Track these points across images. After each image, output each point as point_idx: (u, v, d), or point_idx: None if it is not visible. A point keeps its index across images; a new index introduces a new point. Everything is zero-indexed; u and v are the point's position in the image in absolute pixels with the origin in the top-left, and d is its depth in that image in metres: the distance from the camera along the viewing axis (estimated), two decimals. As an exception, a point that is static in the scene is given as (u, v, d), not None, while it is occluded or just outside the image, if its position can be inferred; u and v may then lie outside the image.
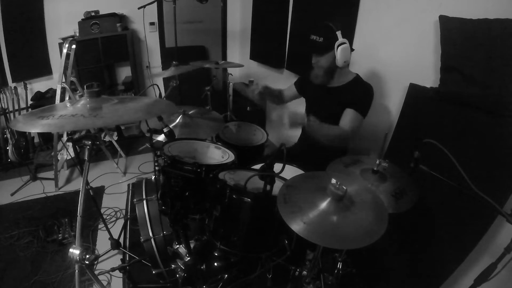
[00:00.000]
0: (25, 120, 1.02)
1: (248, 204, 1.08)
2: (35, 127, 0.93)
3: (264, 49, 3.40)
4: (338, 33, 1.45)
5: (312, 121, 1.40)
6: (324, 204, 0.89)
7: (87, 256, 1.05)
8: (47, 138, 3.11)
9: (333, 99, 1.64)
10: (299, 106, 1.83)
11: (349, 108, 1.53)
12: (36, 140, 3.18)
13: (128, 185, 2.74)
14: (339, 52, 1.46)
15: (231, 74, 3.13)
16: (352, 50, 1.55)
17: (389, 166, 1.13)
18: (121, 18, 3.29)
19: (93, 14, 3.16)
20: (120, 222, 2.24)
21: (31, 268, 1.85)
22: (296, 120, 1.37)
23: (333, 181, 0.89)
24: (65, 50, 2.39)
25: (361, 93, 1.56)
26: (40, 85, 3.24)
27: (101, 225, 2.16)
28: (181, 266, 1.22)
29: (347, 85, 1.62)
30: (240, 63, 2.56)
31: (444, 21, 1.41)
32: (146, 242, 1.42)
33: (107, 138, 3.12)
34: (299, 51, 2.70)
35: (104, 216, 2.23)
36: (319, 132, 1.44)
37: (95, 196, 1.74)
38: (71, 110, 1.00)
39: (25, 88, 3.05)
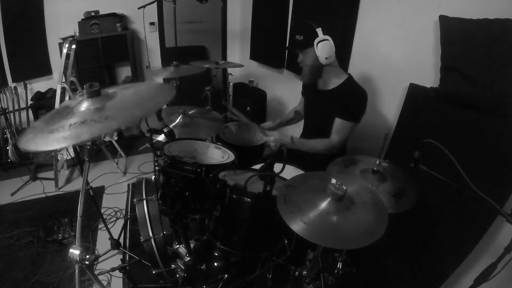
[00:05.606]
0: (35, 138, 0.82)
1: (248, 204, 1.08)
2: (50, 144, 0.79)
3: (264, 49, 3.39)
4: (319, 30, 1.46)
5: (295, 141, 1.59)
6: (324, 204, 0.89)
7: (87, 256, 1.04)
8: (47, 138, 3.11)
9: (326, 103, 1.62)
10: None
11: (337, 118, 1.56)
12: (36, 140, 3.17)
13: (128, 185, 2.74)
14: (319, 49, 1.47)
15: (231, 74, 3.13)
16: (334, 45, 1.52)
17: (389, 166, 1.13)
18: (121, 18, 3.29)
19: (93, 14, 3.16)
20: (120, 222, 2.24)
21: (31, 268, 1.85)
22: (282, 141, 1.56)
23: (333, 181, 0.89)
24: (65, 50, 2.39)
25: (350, 100, 1.55)
26: (40, 85, 3.23)
27: (101, 225, 2.17)
28: (181, 266, 1.22)
29: (338, 89, 1.59)
30: (240, 63, 2.56)
31: (444, 21, 1.41)
32: (146, 242, 1.42)
33: (107, 138, 3.11)
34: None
35: (104, 216, 2.23)
36: (303, 148, 1.59)
37: (95, 196, 1.74)
38: (79, 116, 0.85)
39: (25, 88, 3.05)
